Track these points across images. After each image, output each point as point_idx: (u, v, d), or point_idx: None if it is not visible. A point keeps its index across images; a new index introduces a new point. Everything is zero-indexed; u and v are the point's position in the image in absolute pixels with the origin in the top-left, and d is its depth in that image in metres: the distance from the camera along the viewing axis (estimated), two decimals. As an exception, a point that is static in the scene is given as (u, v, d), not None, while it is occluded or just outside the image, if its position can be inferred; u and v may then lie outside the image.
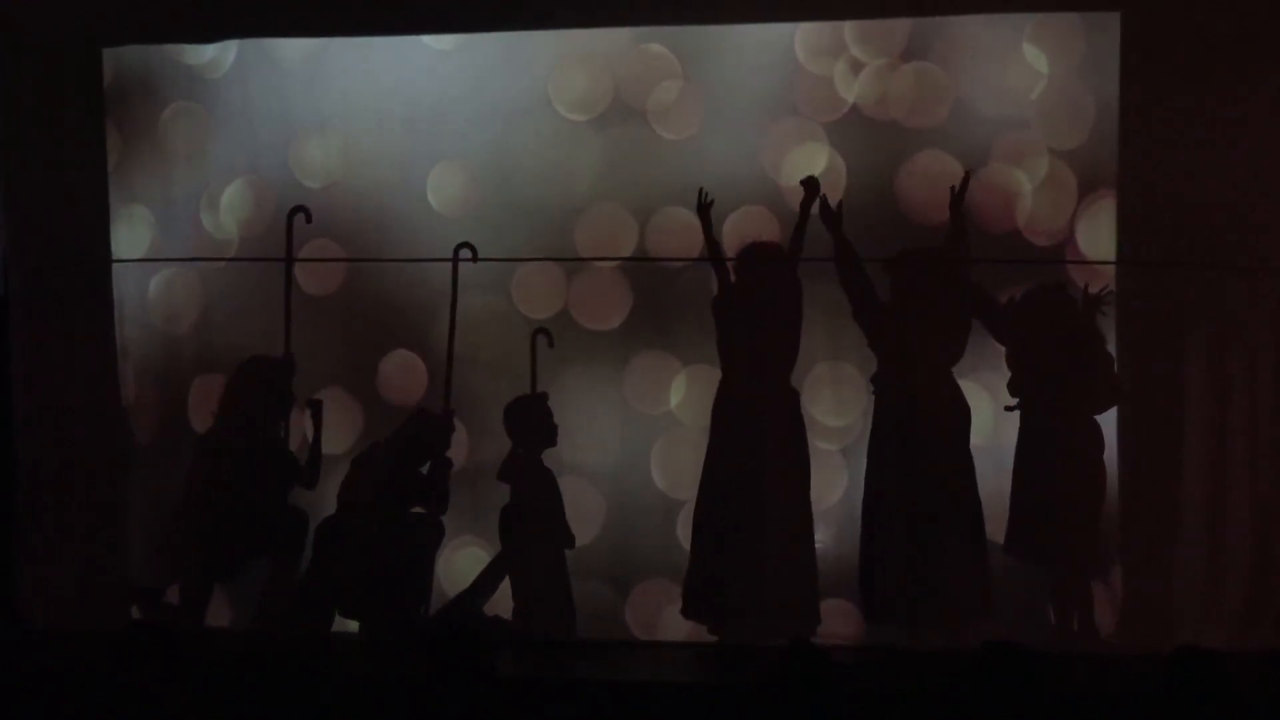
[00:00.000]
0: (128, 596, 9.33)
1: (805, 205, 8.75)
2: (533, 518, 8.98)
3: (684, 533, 9.00)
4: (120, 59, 9.66)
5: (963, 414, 8.70)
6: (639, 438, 9.37)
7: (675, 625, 9.03)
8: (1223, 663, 6.35)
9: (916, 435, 8.62)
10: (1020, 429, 8.76)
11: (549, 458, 9.08)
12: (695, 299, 9.12)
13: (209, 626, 9.13)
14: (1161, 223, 8.59)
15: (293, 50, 9.59)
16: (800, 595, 8.70)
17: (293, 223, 9.28)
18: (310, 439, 9.20)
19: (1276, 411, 8.61)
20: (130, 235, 9.70)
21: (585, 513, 9.24)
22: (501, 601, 9.06)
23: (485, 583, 9.09)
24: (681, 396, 9.33)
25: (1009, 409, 8.75)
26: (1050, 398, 8.66)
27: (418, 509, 9.09)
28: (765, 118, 9.23)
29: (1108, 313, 8.73)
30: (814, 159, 9.13)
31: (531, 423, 9.06)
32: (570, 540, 9.02)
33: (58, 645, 8.74)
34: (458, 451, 9.23)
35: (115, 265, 9.59)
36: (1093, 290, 8.72)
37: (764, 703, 6.38)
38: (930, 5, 8.87)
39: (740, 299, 8.82)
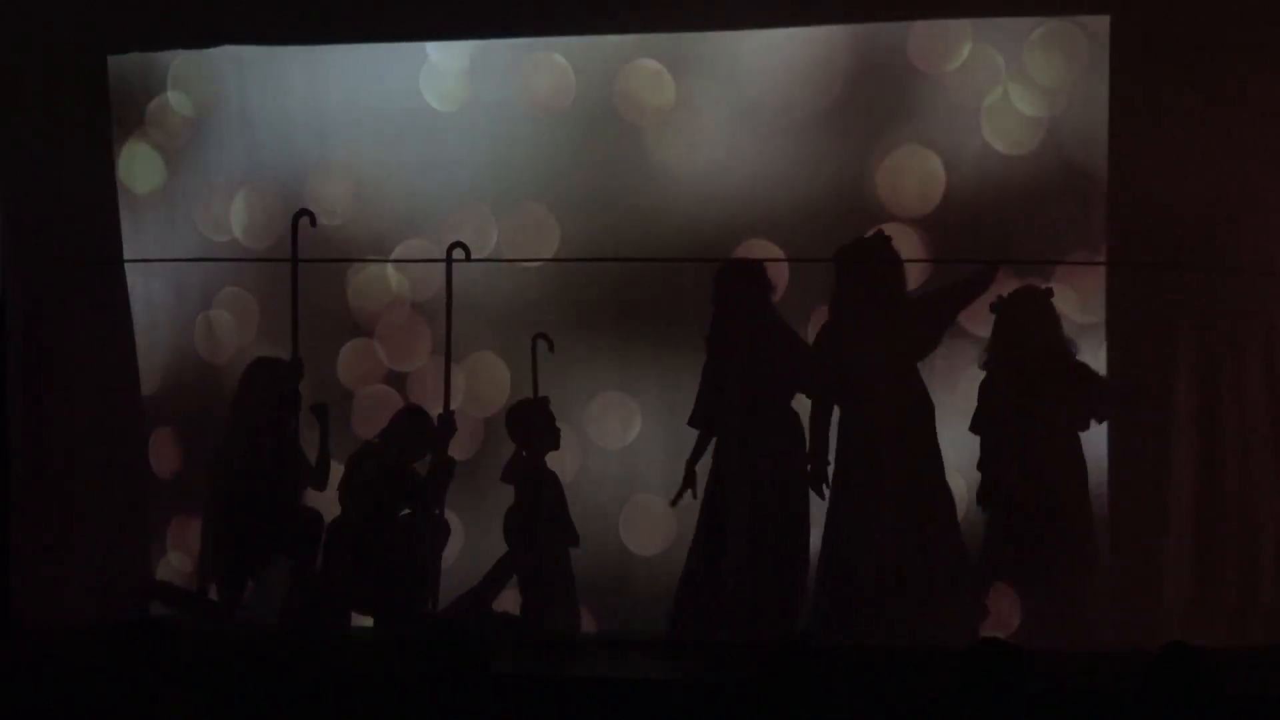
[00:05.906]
0: (148, 593, 9.42)
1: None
2: (537, 518, 9.08)
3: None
4: (124, 65, 9.73)
5: (925, 411, 8.75)
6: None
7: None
8: (1211, 660, 6.38)
9: (878, 435, 8.71)
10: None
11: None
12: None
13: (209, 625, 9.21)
14: (1151, 224, 8.62)
15: (294, 56, 9.68)
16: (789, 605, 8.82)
17: (297, 225, 9.35)
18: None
19: (1265, 411, 8.64)
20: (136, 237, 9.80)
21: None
22: (508, 599, 9.18)
23: (492, 581, 9.19)
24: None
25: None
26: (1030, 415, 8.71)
27: (406, 510, 9.18)
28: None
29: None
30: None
31: (535, 426, 9.16)
32: (575, 538, 9.12)
33: (54, 643, 8.78)
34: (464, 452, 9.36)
35: (129, 265, 9.71)
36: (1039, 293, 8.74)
37: (756, 700, 6.42)
38: (918, 10, 8.92)
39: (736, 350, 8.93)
